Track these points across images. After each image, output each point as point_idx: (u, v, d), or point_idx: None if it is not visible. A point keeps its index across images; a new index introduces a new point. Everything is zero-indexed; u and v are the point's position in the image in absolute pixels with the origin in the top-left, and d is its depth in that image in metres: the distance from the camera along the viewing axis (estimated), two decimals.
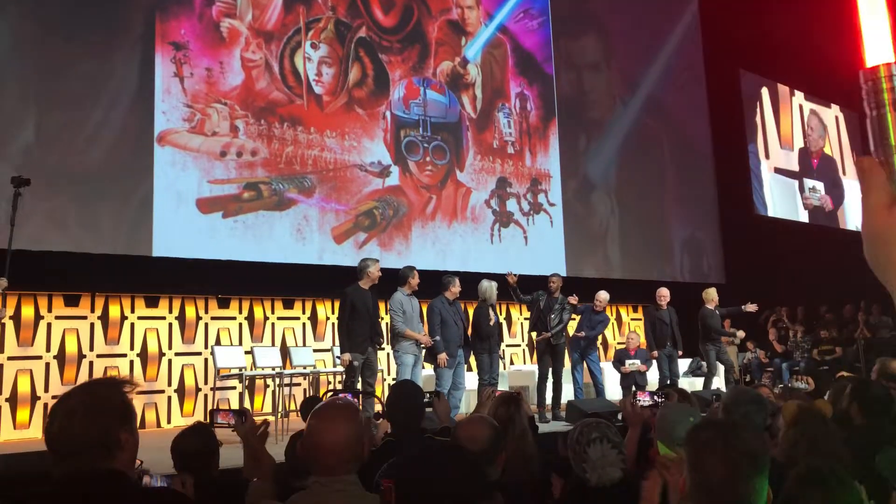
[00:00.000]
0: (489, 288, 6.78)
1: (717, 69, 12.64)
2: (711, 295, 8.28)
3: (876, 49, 0.59)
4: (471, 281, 7.02)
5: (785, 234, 12.81)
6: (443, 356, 6.20)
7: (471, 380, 7.21)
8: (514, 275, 7.24)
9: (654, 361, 7.96)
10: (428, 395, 3.08)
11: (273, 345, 7.74)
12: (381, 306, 6.54)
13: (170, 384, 7.21)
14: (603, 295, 7.73)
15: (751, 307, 8.23)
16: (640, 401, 2.83)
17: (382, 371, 8.25)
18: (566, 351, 7.40)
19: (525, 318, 9.79)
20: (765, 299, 11.62)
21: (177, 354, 7.31)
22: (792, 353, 10.79)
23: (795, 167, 14.33)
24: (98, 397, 1.46)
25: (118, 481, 1.42)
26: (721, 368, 8.29)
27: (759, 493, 1.36)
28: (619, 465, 2.20)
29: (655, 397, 2.84)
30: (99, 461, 1.40)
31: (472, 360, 7.22)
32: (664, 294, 8.11)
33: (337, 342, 6.43)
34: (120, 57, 6.89)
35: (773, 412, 2.93)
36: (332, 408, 1.71)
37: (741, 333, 8.49)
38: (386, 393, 8.14)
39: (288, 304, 8.12)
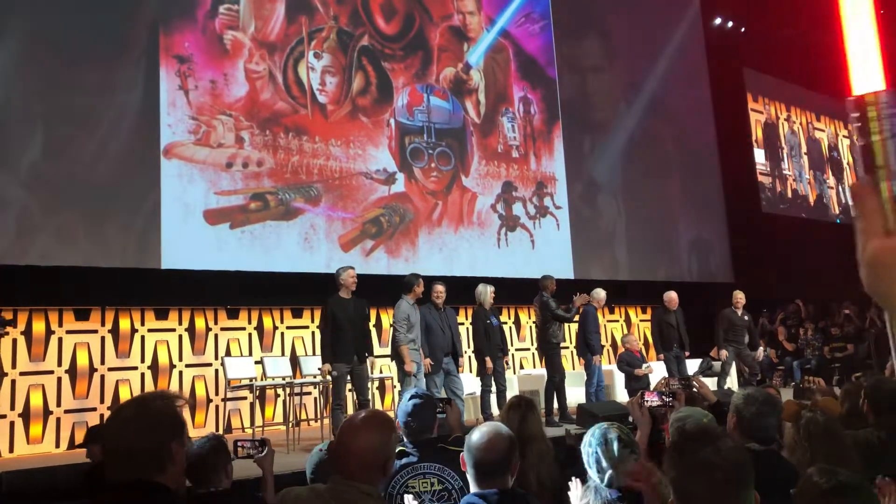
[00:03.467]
0: (483, 292, 6.77)
1: (721, 67, 12.62)
2: (735, 297, 8.25)
3: (863, 77, 0.60)
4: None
5: (792, 232, 12.76)
6: (427, 360, 6.20)
7: (472, 385, 7.20)
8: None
9: (662, 363, 7.95)
10: (440, 403, 3.07)
11: (283, 354, 7.76)
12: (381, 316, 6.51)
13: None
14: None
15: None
16: (647, 401, 2.83)
17: (392, 378, 8.26)
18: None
19: (534, 322, 9.77)
20: (774, 298, 11.58)
21: (187, 366, 7.34)
22: (803, 352, 10.72)
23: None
24: (151, 409, 1.51)
25: (161, 495, 1.46)
26: (733, 369, 8.25)
27: None
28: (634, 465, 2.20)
29: (664, 397, 2.84)
30: (149, 472, 1.45)
31: (469, 364, 7.22)
32: (673, 298, 8.08)
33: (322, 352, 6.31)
34: (125, 71, 6.94)
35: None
36: (369, 416, 1.74)
37: (724, 354, 8.19)
38: (392, 403, 8.14)
39: (297, 314, 8.14)
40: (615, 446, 2.19)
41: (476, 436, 2.08)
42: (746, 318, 8.26)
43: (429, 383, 6.23)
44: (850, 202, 0.61)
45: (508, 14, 10.07)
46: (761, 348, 8.53)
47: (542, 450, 2.71)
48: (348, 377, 5.88)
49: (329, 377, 5.83)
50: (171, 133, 7.08)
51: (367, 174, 8.34)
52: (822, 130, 15.59)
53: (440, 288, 6.48)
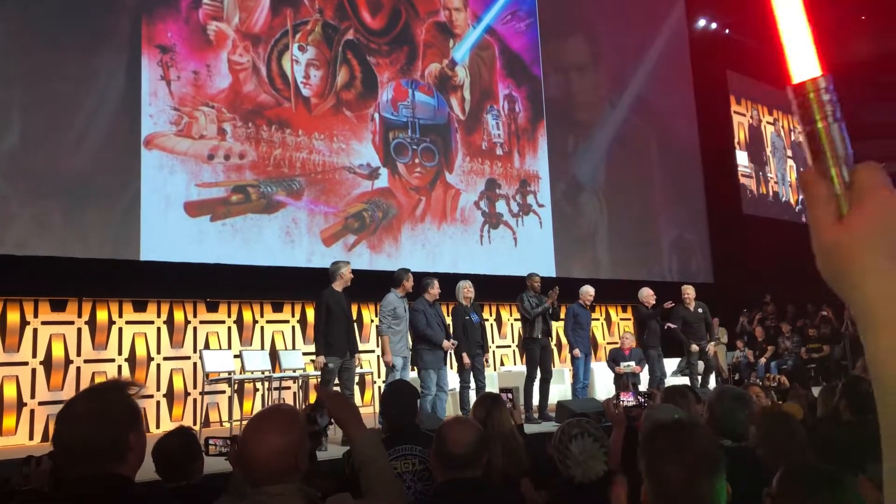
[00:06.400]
0: (457, 288, 6.78)
1: (704, 69, 12.71)
2: (684, 291, 8.15)
3: (800, 64, 0.59)
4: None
5: (772, 234, 12.89)
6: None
7: (453, 381, 7.20)
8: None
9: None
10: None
11: (262, 348, 7.71)
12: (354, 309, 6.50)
13: (158, 389, 7.17)
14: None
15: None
16: (623, 401, 2.85)
17: (372, 374, 8.24)
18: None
19: (515, 319, 9.80)
20: (752, 298, 11.71)
21: (165, 359, 7.27)
22: (781, 353, 10.85)
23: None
24: (104, 401, 1.47)
25: (123, 487, 1.44)
26: (702, 367, 8.24)
27: (718, 493, 1.37)
28: (603, 459, 2.22)
29: (640, 397, 2.85)
30: (108, 465, 1.42)
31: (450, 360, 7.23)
32: (650, 295, 8.10)
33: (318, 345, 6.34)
34: (106, 60, 6.85)
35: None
36: (265, 417, 1.65)
37: (694, 348, 8.14)
38: (373, 399, 8.13)
39: (277, 308, 8.09)
40: (583, 441, 2.21)
41: (443, 429, 2.10)
42: (700, 310, 8.10)
43: (427, 378, 6.21)
44: (801, 189, 0.61)
45: (494, 11, 10.07)
46: (711, 344, 8.32)
47: (510, 446, 2.73)
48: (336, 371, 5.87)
49: (321, 369, 5.79)
50: (152, 123, 7.01)
51: (351, 168, 8.31)
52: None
53: (437, 287, 6.48)
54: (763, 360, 10.81)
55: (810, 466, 1.82)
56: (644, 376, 7.91)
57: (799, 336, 10.90)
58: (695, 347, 7.93)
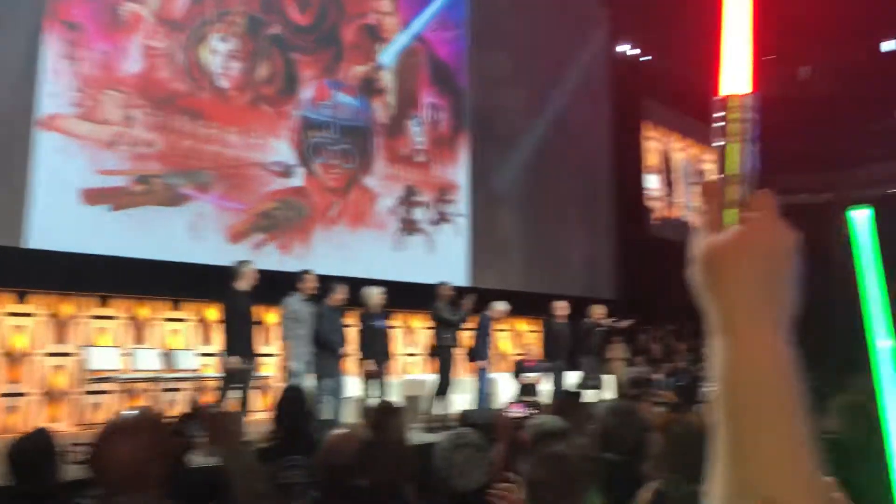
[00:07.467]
0: (369, 294, 6.73)
1: (621, 93, 13.18)
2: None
3: (731, 79, 0.60)
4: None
5: (677, 255, 13.43)
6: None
7: (355, 388, 7.12)
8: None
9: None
10: None
11: (160, 347, 7.34)
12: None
13: (36, 387, 6.69)
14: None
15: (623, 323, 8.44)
16: (512, 412, 2.87)
17: (273, 378, 8.01)
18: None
19: (428, 327, 9.78)
20: (651, 316, 12.17)
21: (46, 355, 6.78)
22: (678, 370, 11.29)
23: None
24: None
25: None
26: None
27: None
28: (484, 469, 2.22)
29: (528, 409, 2.88)
30: None
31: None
32: (562, 307, 8.29)
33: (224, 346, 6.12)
34: (4, 33, 6.39)
35: (646, 428, 3.00)
36: (120, 422, 1.54)
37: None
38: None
39: (175, 305, 7.73)
40: (465, 451, 2.21)
41: (327, 440, 2.09)
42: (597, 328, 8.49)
43: (322, 384, 6.08)
44: (699, 201, 0.62)
45: (424, 19, 10.09)
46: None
47: (400, 455, 2.71)
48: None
49: (232, 371, 5.60)
50: (52, 103, 6.59)
51: (264, 165, 8.09)
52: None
53: (341, 292, 6.37)
54: (660, 376, 11.22)
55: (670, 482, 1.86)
56: (550, 388, 8.06)
57: (694, 354, 11.38)
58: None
